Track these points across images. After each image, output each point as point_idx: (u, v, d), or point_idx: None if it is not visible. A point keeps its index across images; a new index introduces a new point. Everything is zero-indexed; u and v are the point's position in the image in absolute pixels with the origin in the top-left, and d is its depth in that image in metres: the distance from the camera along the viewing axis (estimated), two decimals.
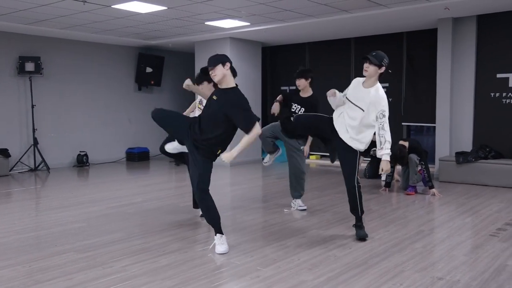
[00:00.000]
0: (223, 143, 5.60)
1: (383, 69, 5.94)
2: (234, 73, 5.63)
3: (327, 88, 6.49)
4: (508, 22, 10.46)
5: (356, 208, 6.23)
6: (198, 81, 7.04)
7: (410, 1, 9.53)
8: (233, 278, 4.81)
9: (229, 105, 5.39)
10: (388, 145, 5.79)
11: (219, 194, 9.14)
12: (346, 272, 4.92)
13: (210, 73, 5.53)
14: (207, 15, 10.77)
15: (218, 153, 5.59)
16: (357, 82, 6.18)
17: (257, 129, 5.38)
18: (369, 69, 5.93)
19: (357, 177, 6.21)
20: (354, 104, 6.02)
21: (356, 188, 6.22)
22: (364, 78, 6.09)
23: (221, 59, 5.49)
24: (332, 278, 4.74)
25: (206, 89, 6.85)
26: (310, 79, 7.68)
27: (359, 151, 6.14)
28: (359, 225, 6.26)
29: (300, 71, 7.77)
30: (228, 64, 5.50)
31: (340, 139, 6.14)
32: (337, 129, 6.19)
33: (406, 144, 9.29)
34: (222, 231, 5.73)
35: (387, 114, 5.83)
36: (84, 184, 11.37)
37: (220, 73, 5.46)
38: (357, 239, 6.14)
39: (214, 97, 5.56)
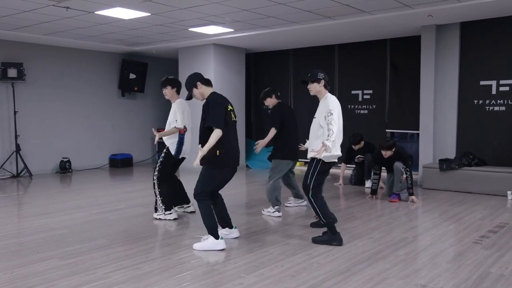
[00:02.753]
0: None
1: (322, 82, 6.42)
2: (207, 83, 6.25)
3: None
4: (491, 29, 10.54)
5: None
6: (163, 85, 7.80)
7: (393, 8, 9.57)
8: (217, 285, 4.79)
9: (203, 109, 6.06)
10: (333, 137, 6.06)
11: None
12: (329, 279, 4.91)
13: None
14: (190, 21, 10.76)
15: (218, 153, 5.91)
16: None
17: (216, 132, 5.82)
18: (311, 87, 6.48)
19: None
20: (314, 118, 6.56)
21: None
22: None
23: (192, 83, 6.20)
24: (315, 285, 4.73)
25: (169, 93, 7.77)
26: (273, 96, 8.39)
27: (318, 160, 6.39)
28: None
29: (265, 92, 8.47)
30: (199, 84, 6.18)
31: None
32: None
33: (393, 149, 9.32)
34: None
35: (334, 113, 6.17)
36: (67, 190, 11.30)
37: (197, 93, 6.20)
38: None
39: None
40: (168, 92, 7.75)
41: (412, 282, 4.83)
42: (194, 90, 6.17)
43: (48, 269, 5.30)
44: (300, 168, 14.46)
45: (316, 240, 6.32)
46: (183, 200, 8.27)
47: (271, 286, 4.72)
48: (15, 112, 12.71)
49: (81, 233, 6.90)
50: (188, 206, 8.24)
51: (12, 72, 12.47)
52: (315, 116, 6.47)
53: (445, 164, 10.34)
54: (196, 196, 6.00)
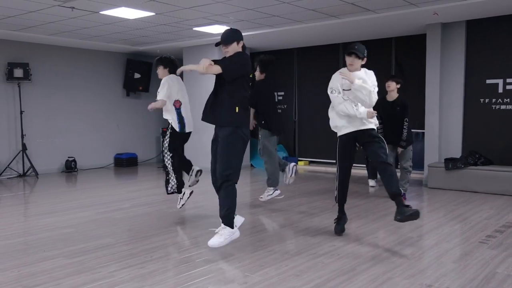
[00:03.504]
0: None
1: (364, 60, 6.35)
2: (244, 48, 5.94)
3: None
4: (498, 27, 10.50)
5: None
6: (155, 65, 8.11)
7: (398, 7, 9.56)
8: (221, 284, 4.79)
9: None
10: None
11: (209, 199, 9.11)
12: (333, 278, 4.91)
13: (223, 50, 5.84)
14: (195, 21, 10.76)
15: (237, 110, 5.63)
16: (336, 74, 6.54)
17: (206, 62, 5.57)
18: (355, 62, 6.31)
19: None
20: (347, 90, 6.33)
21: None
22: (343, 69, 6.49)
23: (236, 37, 5.81)
24: (320, 285, 4.72)
25: (161, 73, 7.96)
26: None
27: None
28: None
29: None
30: (241, 42, 5.86)
31: (362, 134, 6.39)
32: (355, 129, 6.38)
33: (398, 86, 9.24)
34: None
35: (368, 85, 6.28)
36: (73, 189, 11.33)
37: (231, 50, 5.78)
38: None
39: None
40: (160, 71, 7.98)
41: (417, 282, 4.82)
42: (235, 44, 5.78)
43: (54, 267, 5.32)
44: (304, 167, 14.44)
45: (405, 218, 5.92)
46: (189, 166, 8.27)
47: (276, 285, 4.72)
48: (21, 112, 12.77)
49: (87, 232, 6.92)
50: (193, 170, 8.25)
51: (18, 72, 12.53)
52: (347, 89, 6.31)
53: (451, 163, 10.32)
54: (226, 179, 5.58)
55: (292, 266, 5.31)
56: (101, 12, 9.85)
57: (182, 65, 14.58)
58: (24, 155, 12.81)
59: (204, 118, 5.79)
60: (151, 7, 9.45)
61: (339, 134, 6.47)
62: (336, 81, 6.45)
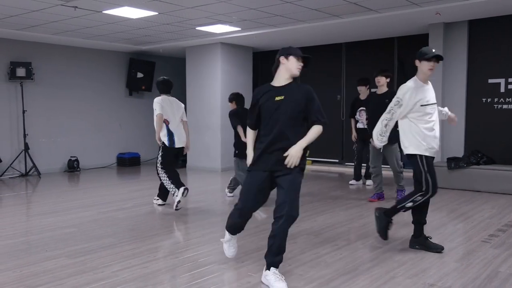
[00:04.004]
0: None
1: None
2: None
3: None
4: (500, 27, 10.49)
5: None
6: None
7: (400, 6, 9.55)
8: (224, 283, 4.79)
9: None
10: None
11: (210, 199, 9.11)
12: (336, 278, 4.90)
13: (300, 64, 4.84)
14: (198, 20, 10.76)
15: (307, 154, 4.82)
16: (416, 87, 6.05)
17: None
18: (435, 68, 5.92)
19: None
20: (434, 104, 6.10)
21: None
22: (412, 82, 6.19)
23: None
24: (323, 284, 4.72)
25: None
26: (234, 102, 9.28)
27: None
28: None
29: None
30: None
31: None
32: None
33: (388, 80, 9.10)
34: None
35: None
36: (75, 189, 11.32)
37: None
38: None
39: (278, 98, 4.75)
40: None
41: (420, 281, 4.82)
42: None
43: (56, 267, 5.32)
44: (307, 166, 14.43)
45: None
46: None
47: None
48: (23, 111, 12.76)
49: (89, 232, 6.92)
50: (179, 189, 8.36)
51: (20, 72, 12.54)
52: (435, 102, 6.10)
53: (453, 163, 10.30)
54: (296, 217, 4.92)
55: (295, 266, 5.32)
56: (104, 12, 9.85)
57: (183, 64, 14.63)
58: (27, 154, 12.81)
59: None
60: (154, 6, 9.45)
61: (427, 154, 5.91)
62: (415, 93, 6.00)
